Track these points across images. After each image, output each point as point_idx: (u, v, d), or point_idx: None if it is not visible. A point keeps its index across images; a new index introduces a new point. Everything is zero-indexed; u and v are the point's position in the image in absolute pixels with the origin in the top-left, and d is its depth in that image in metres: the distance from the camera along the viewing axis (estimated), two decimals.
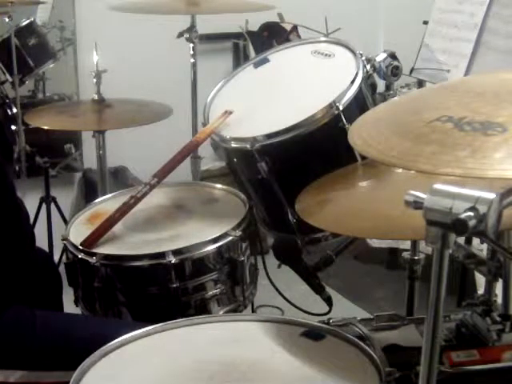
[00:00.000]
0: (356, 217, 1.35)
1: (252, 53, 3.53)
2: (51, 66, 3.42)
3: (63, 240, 1.71)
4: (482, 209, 0.79)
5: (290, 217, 1.69)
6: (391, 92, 1.85)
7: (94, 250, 1.63)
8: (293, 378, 1.18)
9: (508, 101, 0.98)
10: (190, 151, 1.87)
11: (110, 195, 1.97)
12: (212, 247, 1.62)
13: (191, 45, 2.63)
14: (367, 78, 1.72)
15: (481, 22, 1.99)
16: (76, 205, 3.49)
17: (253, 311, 1.96)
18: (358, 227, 1.33)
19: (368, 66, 1.73)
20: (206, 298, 1.64)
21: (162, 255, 1.58)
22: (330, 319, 1.39)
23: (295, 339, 1.29)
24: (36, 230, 2.20)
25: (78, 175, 3.55)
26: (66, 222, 2.89)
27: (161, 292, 1.61)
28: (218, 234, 1.64)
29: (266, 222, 1.84)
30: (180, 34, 2.61)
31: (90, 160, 3.26)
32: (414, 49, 2.25)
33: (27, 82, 3.32)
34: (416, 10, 2.72)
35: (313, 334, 1.30)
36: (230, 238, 1.65)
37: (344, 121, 1.60)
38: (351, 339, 1.26)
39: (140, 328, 1.33)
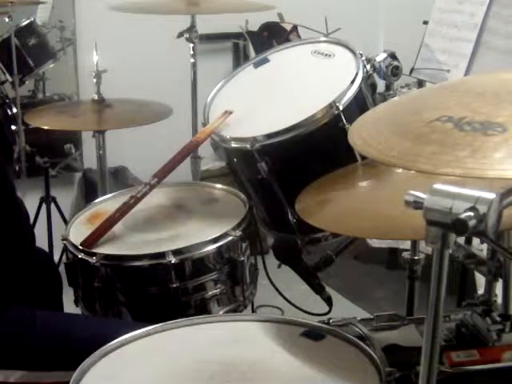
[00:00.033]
0: (356, 217, 1.35)
1: (252, 53, 3.53)
2: (51, 66, 3.42)
3: (63, 240, 1.71)
4: (482, 209, 0.79)
5: (290, 217, 1.69)
6: (391, 92, 1.85)
7: (94, 250, 1.63)
8: (293, 378, 1.18)
9: (508, 101, 0.98)
10: (190, 151, 1.87)
11: (109, 195, 1.97)
12: (212, 247, 1.62)
13: (191, 45, 2.63)
14: (367, 78, 1.72)
15: (481, 22, 1.99)
16: (76, 205, 3.49)
17: (253, 311, 1.96)
18: (358, 227, 1.33)
19: (368, 66, 1.72)
20: (205, 298, 1.64)
21: (161, 255, 1.58)
22: (329, 319, 1.39)
23: (295, 339, 1.29)
24: (36, 230, 2.20)
25: (78, 175, 3.55)
26: (65, 222, 2.89)
27: (161, 292, 1.61)
28: (218, 234, 1.64)
29: (266, 222, 1.84)
30: (180, 34, 2.61)
31: (90, 160, 3.26)
32: (414, 49, 2.25)
33: (27, 82, 3.32)
34: (416, 10, 2.72)
35: (313, 334, 1.30)
36: (230, 238, 1.65)
37: (344, 121, 1.60)
38: (351, 339, 1.26)
39: (140, 328, 1.33)
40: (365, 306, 2.96)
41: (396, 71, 1.80)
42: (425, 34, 2.23)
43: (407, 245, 1.94)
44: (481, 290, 1.58)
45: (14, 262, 1.62)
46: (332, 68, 1.78)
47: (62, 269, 1.78)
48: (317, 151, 1.65)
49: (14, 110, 3.08)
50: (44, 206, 3.05)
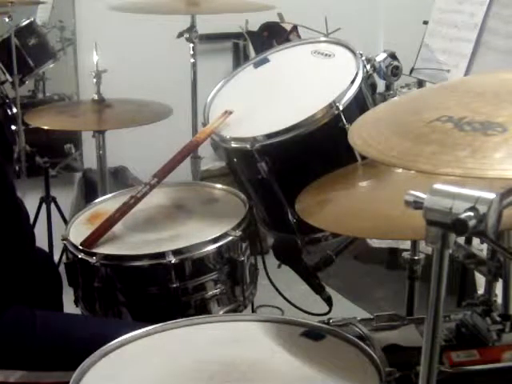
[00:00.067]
0: (356, 217, 1.35)
1: (252, 53, 3.53)
2: (51, 66, 3.42)
3: (63, 240, 1.71)
4: (482, 209, 0.79)
5: (290, 217, 1.69)
6: (391, 92, 1.85)
7: (94, 250, 1.63)
8: (293, 378, 1.18)
9: (508, 101, 0.98)
10: (190, 151, 1.87)
11: (109, 195, 1.97)
12: (212, 247, 1.62)
13: (191, 45, 2.63)
14: (367, 78, 1.72)
15: (481, 22, 1.99)
16: (76, 205, 3.49)
17: (253, 311, 1.96)
18: (358, 227, 1.33)
19: (368, 66, 1.72)
20: (206, 298, 1.64)
21: (161, 255, 1.58)
22: (329, 319, 1.39)
23: (295, 339, 1.29)
24: (36, 230, 2.20)
25: (78, 175, 3.55)
26: (65, 222, 2.89)
27: (161, 292, 1.61)
28: (218, 234, 1.64)
29: (266, 222, 1.84)
30: (180, 34, 2.61)
31: (90, 160, 3.26)
32: (414, 49, 2.25)
33: (27, 82, 3.32)
34: (416, 9, 2.72)
35: (313, 334, 1.30)
36: (230, 237, 1.65)
37: (344, 121, 1.60)
38: (351, 339, 1.26)
39: (140, 328, 1.33)
40: (365, 305, 2.96)
41: (396, 71, 1.80)
42: (425, 34, 2.23)
43: (407, 245, 1.94)
44: (481, 290, 1.58)
45: (13, 261, 1.62)
46: (332, 68, 1.78)
47: (62, 269, 1.78)
48: (317, 151, 1.65)
49: (14, 110, 3.08)
50: (44, 206, 3.05)
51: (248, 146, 1.64)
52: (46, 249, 2.71)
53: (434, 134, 0.93)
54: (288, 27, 3.45)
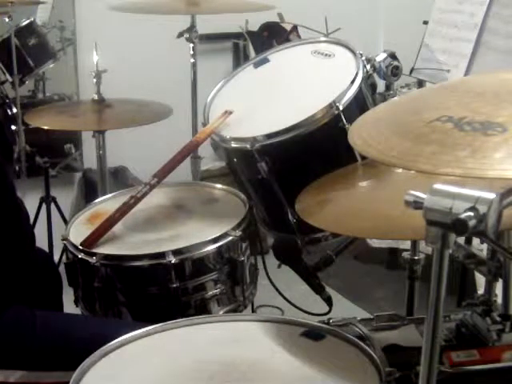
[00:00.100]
0: (356, 217, 1.35)
1: (252, 53, 3.53)
2: (51, 66, 3.42)
3: (63, 240, 1.71)
4: (482, 209, 0.79)
5: (290, 217, 1.69)
6: (391, 92, 1.85)
7: (94, 250, 1.63)
8: (293, 378, 1.18)
9: (508, 101, 0.98)
10: (190, 151, 1.87)
11: (109, 195, 1.97)
12: (212, 247, 1.62)
13: (191, 45, 2.63)
14: (367, 78, 1.71)
15: (481, 22, 1.99)
16: (76, 205, 3.49)
17: (253, 311, 1.96)
18: (358, 227, 1.33)
19: (368, 66, 1.72)
20: (206, 298, 1.64)
21: (161, 255, 1.58)
22: (329, 319, 1.39)
23: (295, 339, 1.29)
24: (36, 230, 2.20)
25: (78, 175, 3.55)
26: (65, 222, 2.89)
27: (161, 292, 1.61)
28: (218, 234, 1.64)
29: (266, 222, 1.84)
30: (180, 34, 2.61)
31: (90, 160, 3.26)
32: (414, 49, 2.25)
33: (27, 82, 3.32)
34: (416, 9, 2.72)
35: (313, 334, 1.30)
36: (230, 237, 1.65)
37: (344, 121, 1.60)
38: (351, 339, 1.26)
39: (140, 328, 1.32)
40: (365, 306, 2.96)
41: (396, 71, 1.80)
42: (425, 34, 2.23)
43: (407, 245, 1.94)
44: (481, 290, 1.58)
45: (14, 261, 1.62)
46: (332, 68, 1.78)
47: (62, 269, 1.78)
48: (317, 151, 1.65)
49: (14, 110, 3.08)
50: (44, 206, 3.05)
51: (248, 146, 1.64)
52: (46, 249, 2.71)
53: (433, 133, 0.93)
54: (288, 27, 3.45)
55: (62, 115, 2.45)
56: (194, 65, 2.66)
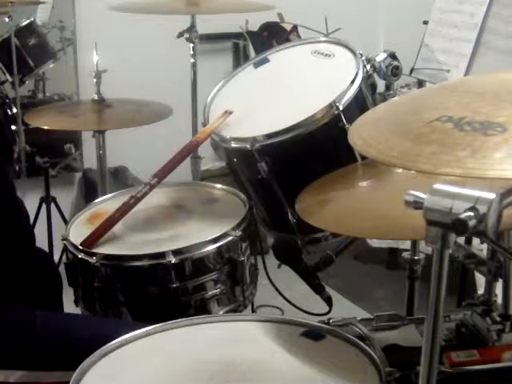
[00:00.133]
0: (356, 217, 1.35)
1: (252, 53, 3.53)
2: (51, 66, 3.42)
3: (63, 240, 1.71)
4: (482, 209, 0.79)
5: (290, 217, 1.69)
6: (391, 92, 1.85)
7: (94, 250, 1.63)
8: (293, 378, 1.18)
9: (508, 101, 0.98)
10: (190, 151, 1.87)
11: (109, 195, 1.97)
12: (212, 247, 1.62)
13: (191, 45, 2.63)
14: (367, 78, 1.71)
15: (481, 22, 1.99)
16: (76, 205, 3.49)
17: (253, 311, 1.96)
18: (358, 227, 1.33)
19: (368, 66, 1.72)
20: (206, 298, 1.64)
21: (161, 255, 1.58)
22: (329, 319, 1.39)
23: (295, 339, 1.29)
24: (36, 230, 2.20)
25: (78, 175, 3.55)
26: (65, 222, 2.89)
27: (161, 292, 1.61)
28: (218, 234, 1.64)
29: (266, 222, 1.84)
30: (180, 34, 2.61)
31: (90, 160, 3.26)
32: (414, 49, 2.25)
33: (27, 82, 3.32)
34: (416, 9, 2.72)
35: (313, 334, 1.30)
36: (230, 237, 1.65)
37: (344, 121, 1.60)
38: (351, 339, 1.26)
39: (140, 328, 1.33)
40: (365, 306, 2.96)
41: (396, 71, 1.80)
42: (425, 34, 2.23)
43: (407, 245, 1.94)
44: (481, 290, 1.58)
45: (14, 261, 1.62)
46: (332, 68, 1.78)
47: (62, 269, 1.78)
48: (317, 151, 1.65)
49: (14, 110, 3.08)
50: (44, 206, 3.05)
51: (248, 146, 1.64)
52: (46, 249, 2.71)
53: (433, 133, 0.93)
54: (288, 27, 3.45)
55: (62, 115, 2.45)
56: (194, 65, 2.66)
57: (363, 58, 1.73)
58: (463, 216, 0.79)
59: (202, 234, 1.66)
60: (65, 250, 1.72)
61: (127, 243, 1.68)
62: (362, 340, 1.29)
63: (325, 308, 1.71)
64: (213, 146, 1.86)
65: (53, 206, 3.06)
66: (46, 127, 2.37)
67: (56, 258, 2.37)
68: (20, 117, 3.01)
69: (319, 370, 1.18)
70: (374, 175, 1.52)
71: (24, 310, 1.59)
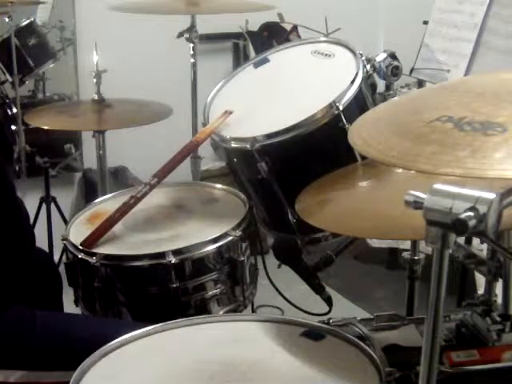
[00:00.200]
0: (356, 217, 1.35)
1: (252, 53, 3.53)
2: (51, 66, 3.42)
3: (63, 240, 1.71)
4: (482, 209, 0.79)
5: (290, 217, 1.69)
6: (391, 92, 1.85)
7: (94, 250, 1.63)
8: (293, 378, 1.18)
9: (508, 101, 0.98)
10: (190, 151, 1.87)
11: (109, 195, 1.97)
12: (212, 247, 1.62)
13: (191, 45, 2.63)
14: (367, 78, 1.72)
15: (481, 22, 1.99)
16: (76, 205, 3.49)
17: (253, 311, 1.96)
18: (358, 227, 1.33)
19: (368, 66, 1.72)
20: (206, 298, 1.64)
21: (161, 255, 1.58)
22: (330, 319, 1.39)
23: (295, 339, 1.29)
24: (36, 230, 2.20)
25: (78, 175, 3.55)
26: (65, 222, 2.89)
27: (161, 292, 1.61)
28: (218, 234, 1.64)
29: (266, 222, 1.84)
30: (180, 34, 2.61)
31: (90, 160, 3.26)
32: (414, 49, 2.25)
33: (27, 82, 3.32)
34: (416, 9, 2.72)
35: (313, 334, 1.30)
36: (230, 237, 1.65)
37: (344, 121, 1.60)
38: (351, 339, 1.26)
39: (140, 328, 1.32)
40: (365, 306, 2.96)
41: (396, 71, 1.80)
42: (425, 34, 2.23)
43: (407, 245, 1.94)
44: (481, 290, 1.58)
45: (14, 261, 1.62)
46: (332, 68, 1.78)
47: (62, 269, 1.78)
48: (317, 151, 1.65)
49: (14, 110, 3.08)
50: (44, 206, 3.05)
51: (248, 146, 1.64)
52: (46, 249, 2.71)
53: (433, 133, 0.93)
54: (288, 27, 3.45)
55: (62, 115, 2.45)
56: (194, 65, 2.66)
57: (363, 58, 1.73)
58: (463, 216, 0.79)
59: (202, 234, 1.66)
60: (65, 249, 1.72)
61: (127, 243, 1.68)
62: (362, 340, 1.28)
63: (325, 308, 1.71)
64: (213, 146, 1.86)
65: (53, 206, 3.06)
66: (46, 127, 2.37)
67: (56, 258, 2.37)
68: (20, 117, 3.01)
69: (319, 370, 1.18)
70: (374, 175, 1.52)
71: (24, 309, 1.59)
